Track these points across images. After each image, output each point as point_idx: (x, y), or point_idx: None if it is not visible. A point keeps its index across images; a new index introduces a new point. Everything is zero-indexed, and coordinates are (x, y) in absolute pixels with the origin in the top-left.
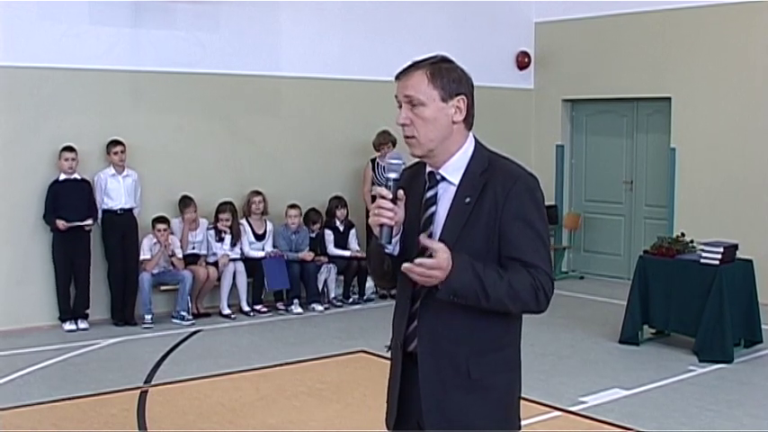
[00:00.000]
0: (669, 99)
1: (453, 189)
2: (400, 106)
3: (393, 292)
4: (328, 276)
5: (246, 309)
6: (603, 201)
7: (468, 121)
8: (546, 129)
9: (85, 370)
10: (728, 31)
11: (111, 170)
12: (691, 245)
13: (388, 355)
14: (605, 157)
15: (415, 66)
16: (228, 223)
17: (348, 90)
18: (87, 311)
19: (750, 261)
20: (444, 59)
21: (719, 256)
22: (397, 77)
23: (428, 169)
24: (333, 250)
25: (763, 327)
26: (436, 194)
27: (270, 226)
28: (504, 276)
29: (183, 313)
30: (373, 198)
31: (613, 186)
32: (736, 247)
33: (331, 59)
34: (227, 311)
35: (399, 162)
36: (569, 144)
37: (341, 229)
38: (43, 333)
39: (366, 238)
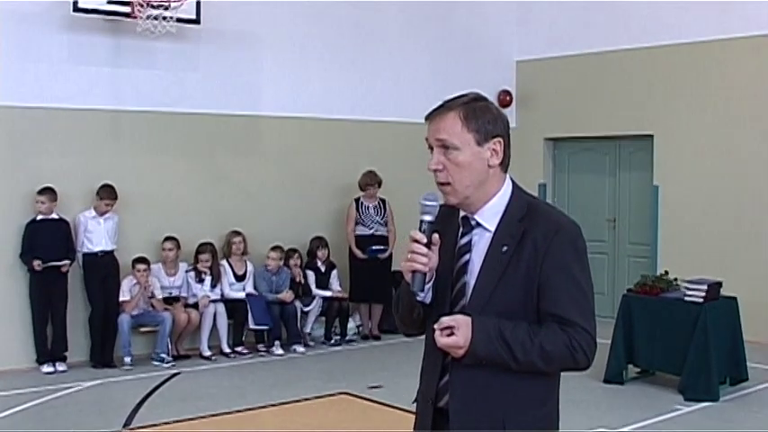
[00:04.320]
0: (651, 137)
1: (489, 236)
2: (431, 149)
3: (376, 332)
4: (312, 309)
5: (227, 350)
6: (587, 239)
7: (505, 164)
8: (528, 167)
9: (64, 413)
10: (709, 68)
11: (92, 212)
12: (675, 283)
13: (414, 408)
14: (588, 196)
15: (447, 106)
16: (208, 264)
17: (329, 129)
18: (66, 353)
19: (734, 298)
20: (477, 98)
21: (704, 294)
22: (428, 118)
23: (462, 214)
24: (315, 290)
25: (748, 364)
26: (471, 241)
27: (250, 267)
28: (536, 338)
29: (163, 355)
30: (363, 238)
31: (596, 224)
32: (720, 284)
33: (312, 99)
34: (207, 353)
35: (435, 204)
36: (551, 182)
37: (322, 269)
38: (20, 375)
39: (349, 278)
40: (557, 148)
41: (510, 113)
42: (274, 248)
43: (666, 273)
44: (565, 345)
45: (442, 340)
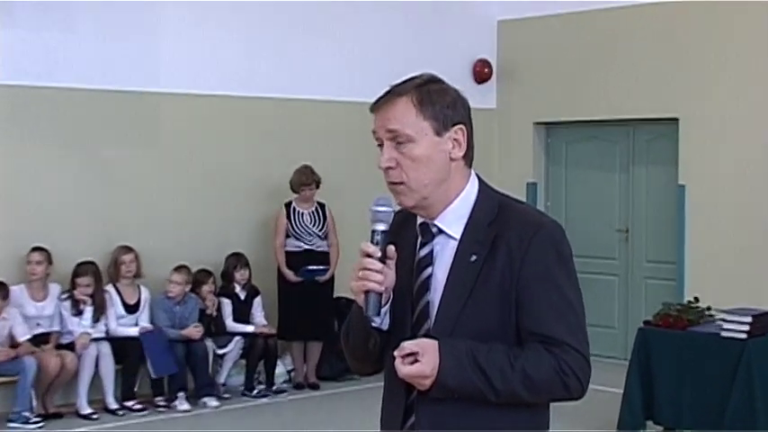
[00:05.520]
0: (676, 121)
1: (454, 245)
2: (380, 145)
3: (313, 380)
4: (229, 351)
5: (114, 406)
6: (590, 256)
7: (469, 157)
8: (513, 161)
9: None
10: (758, 33)
11: None
12: (708, 313)
13: None
14: (592, 198)
15: (397, 91)
16: (89, 291)
17: (252, 112)
18: None
19: None
20: (432, 79)
21: (747, 328)
22: (374, 108)
23: (420, 219)
24: (232, 325)
25: None
26: (432, 252)
27: (145, 294)
28: (518, 362)
29: (26, 414)
30: (297, 255)
31: (603, 236)
32: None
33: (229, 71)
34: (86, 410)
35: (389, 210)
36: (544, 181)
37: (242, 296)
38: None
39: (278, 309)
40: (551, 136)
41: (489, 90)
42: (178, 269)
43: (696, 300)
44: (553, 369)
45: (403, 369)
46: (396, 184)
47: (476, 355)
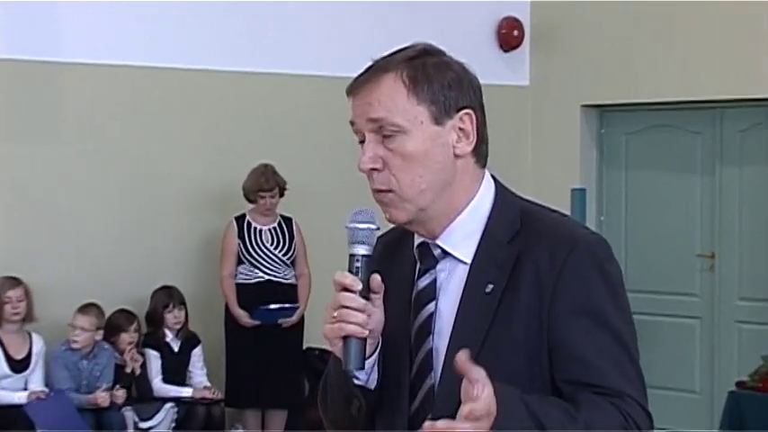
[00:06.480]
0: None
1: (464, 271)
2: (362, 141)
3: None
4: (158, 423)
5: None
6: (661, 291)
7: (481, 152)
8: (552, 159)
9: None
10: None
11: None
12: None
13: None
14: (663, 211)
15: (382, 66)
16: None
17: (193, 91)
18: None
19: None
20: (429, 50)
21: None
22: (351, 90)
23: (418, 239)
24: (161, 387)
25: None
26: (435, 282)
27: (39, 344)
28: (579, 416)
29: None
30: (251, 289)
31: (679, 265)
32: None
33: (162, 35)
34: None
35: (371, 227)
36: (595, 187)
37: (175, 347)
38: None
39: (226, 365)
40: (605, 125)
41: (518, 61)
42: (85, 310)
43: None
44: (620, 425)
45: (470, 410)
46: (383, 191)
47: (529, 405)
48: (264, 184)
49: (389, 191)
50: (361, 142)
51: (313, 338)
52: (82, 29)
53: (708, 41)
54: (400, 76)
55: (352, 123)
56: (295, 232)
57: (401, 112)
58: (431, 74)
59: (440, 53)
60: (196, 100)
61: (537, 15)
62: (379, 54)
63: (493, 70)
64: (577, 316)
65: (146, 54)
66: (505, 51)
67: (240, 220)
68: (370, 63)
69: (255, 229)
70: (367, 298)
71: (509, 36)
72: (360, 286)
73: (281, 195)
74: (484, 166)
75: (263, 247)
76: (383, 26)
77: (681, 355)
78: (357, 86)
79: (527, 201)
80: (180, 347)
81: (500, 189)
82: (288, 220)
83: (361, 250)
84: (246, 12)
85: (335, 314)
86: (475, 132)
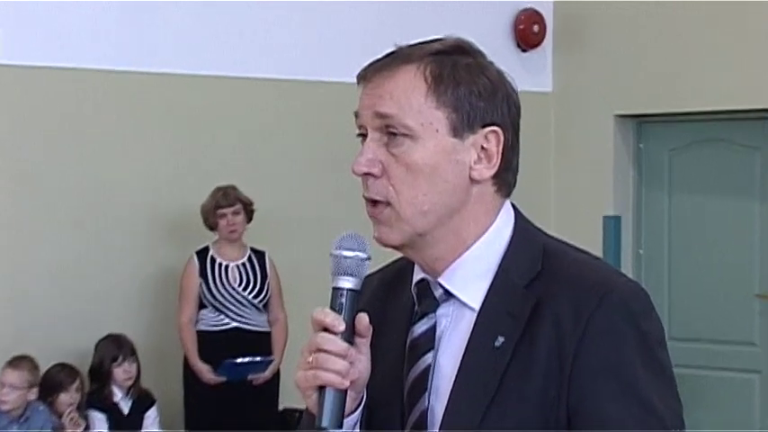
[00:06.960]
0: None
1: (471, 318)
2: (362, 135)
3: None
4: None
5: None
6: (712, 340)
7: (505, 181)
8: (579, 179)
9: None
10: None
11: None
12: None
13: None
14: (714, 243)
15: (404, 55)
16: None
17: (146, 99)
18: None
19: None
20: (462, 47)
21: None
22: (363, 77)
23: (418, 275)
24: None
25: None
26: (435, 329)
27: None
28: None
29: None
30: (216, 338)
31: (734, 308)
32: None
33: (105, 33)
34: None
35: (361, 255)
36: (632, 214)
37: (124, 408)
38: None
39: (185, 426)
40: (644, 139)
41: (539, 62)
42: (16, 363)
43: None
44: None
45: None
46: (377, 203)
47: None
48: (222, 199)
49: (386, 204)
50: (362, 136)
51: (291, 397)
52: (9, 26)
53: (764, 42)
54: (422, 71)
55: (356, 115)
56: (268, 269)
57: (415, 112)
58: (460, 75)
59: (476, 53)
60: (150, 110)
61: (562, 8)
62: (376, 51)
63: (513, 72)
64: (604, 381)
65: (90, 55)
66: (524, 51)
67: (202, 254)
68: (392, 48)
69: (221, 265)
70: (351, 342)
71: (528, 32)
72: (342, 327)
73: (249, 218)
74: (506, 196)
75: (229, 288)
76: (376, 16)
77: (736, 417)
78: (370, 73)
79: (553, 238)
80: (131, 409)
81: (521, 223)
82: (260, 255)
83: (347, 284)
84: (208, 11)
85: (311, 359)
86: (499, 155)
